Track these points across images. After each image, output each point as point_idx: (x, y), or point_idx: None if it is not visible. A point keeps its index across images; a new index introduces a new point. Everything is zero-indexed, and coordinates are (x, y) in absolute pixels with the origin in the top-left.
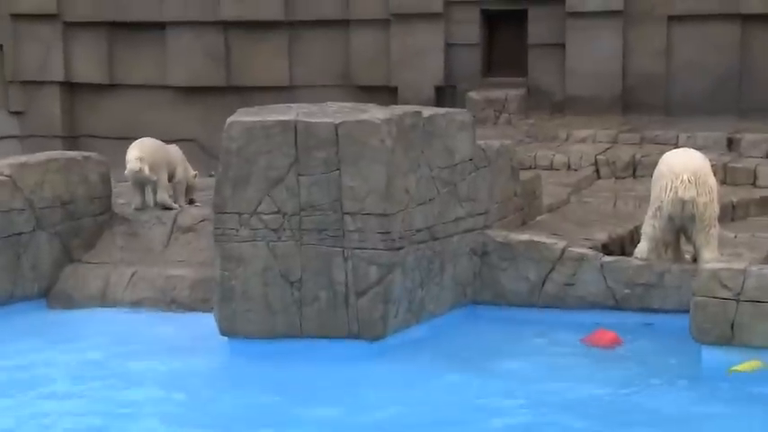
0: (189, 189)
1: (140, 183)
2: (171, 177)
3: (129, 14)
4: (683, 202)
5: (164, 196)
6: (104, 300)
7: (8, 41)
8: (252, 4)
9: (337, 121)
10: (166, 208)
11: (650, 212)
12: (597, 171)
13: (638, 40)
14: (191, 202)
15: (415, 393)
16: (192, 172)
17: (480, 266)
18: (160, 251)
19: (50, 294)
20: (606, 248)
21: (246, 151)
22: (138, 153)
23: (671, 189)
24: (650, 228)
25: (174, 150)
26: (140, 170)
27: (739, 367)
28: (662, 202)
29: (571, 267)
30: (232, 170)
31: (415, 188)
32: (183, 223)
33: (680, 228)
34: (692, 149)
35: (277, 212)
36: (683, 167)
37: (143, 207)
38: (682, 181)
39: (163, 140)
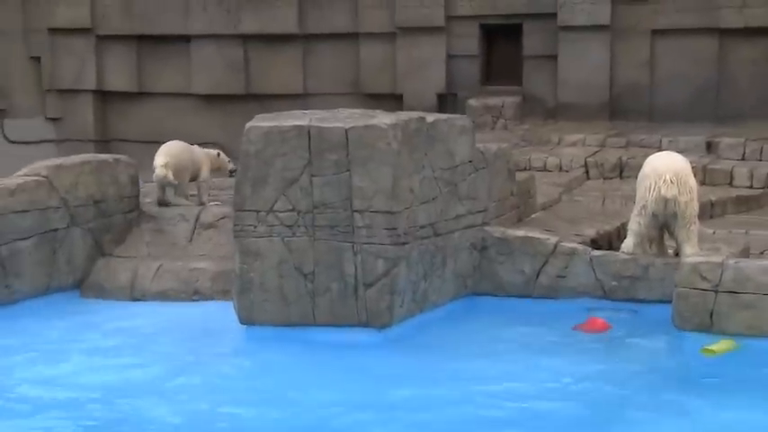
0: (221, 169)
1: (165, 186)
2: (196, 177)
3: (156, 28)
4: (666, 201)
5: (179, 199)
6: (133, 290)
7: (46, 53)
8: (269, 18)
9: (348, 126)
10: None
11: (636, 210)
12: (587, 172)
13: (624, 53)
14: (231, 173)
15: (419, 377)
16: (213, 151)
17: (479, 260)
18: (184, 246)
19: (84, 286)
20: (595, 243)
21: (264, 154)
22: (164, 160)
23: (654, 188)
24: (636, 224)
25: (198, 151)
26: (165, 176)
27: (714, 347)
28: (646, 200)
29: (563, 261)
30: (251, 171)
31: (419, 188)
32: (205, 220)
33: (663, 224)
34: (673, 152)
35: (292, 210)
36: (666, 169)
37: (164, 202)
38: (664, 181)
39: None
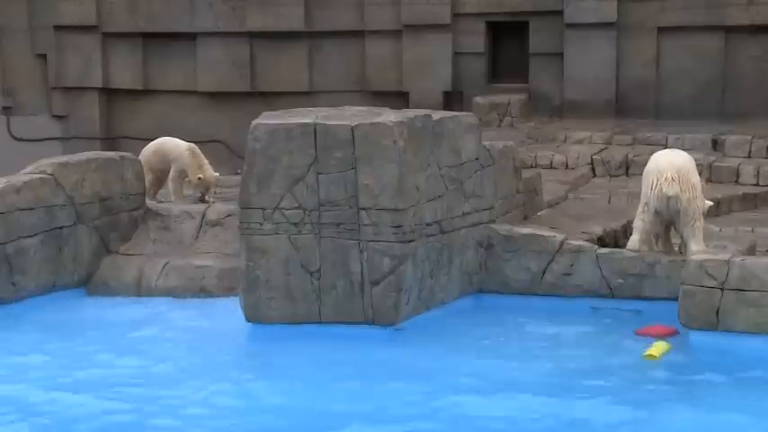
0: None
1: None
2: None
3: (162, 26)
4: (668, 198)
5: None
6: (139, 288)
7: (51, 51)
8: (275, 16)
9: (353, 124)
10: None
11: (640, 208)
12: (593, 170)
13: (630, 50)
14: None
15: (425, 375)
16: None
17: (485, 258)
18: (190, 243)
19: (90, 284)
20: (601, 241)
21: (270, 151)
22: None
23: (656, 186)
24: (640, 222)
25: (175, 151)
26: None
27: (653, 351)
28: (649, 198)
29: (569, 258)
30: (257, 169)
31: (425, 185)
32: (211, 218)
33: (668, 221)
34: (678, 150)
35: (298, 208)
36: (668, 166)
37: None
38: (666, 178)
39: (193, 142)
